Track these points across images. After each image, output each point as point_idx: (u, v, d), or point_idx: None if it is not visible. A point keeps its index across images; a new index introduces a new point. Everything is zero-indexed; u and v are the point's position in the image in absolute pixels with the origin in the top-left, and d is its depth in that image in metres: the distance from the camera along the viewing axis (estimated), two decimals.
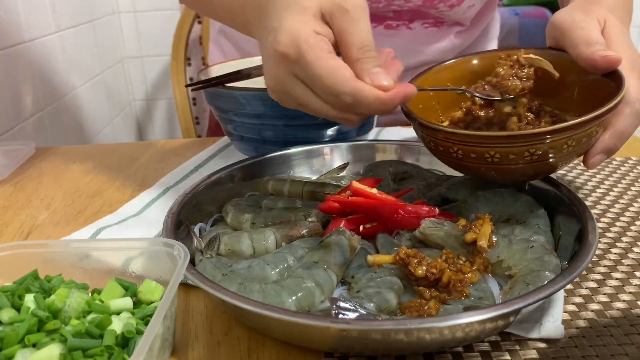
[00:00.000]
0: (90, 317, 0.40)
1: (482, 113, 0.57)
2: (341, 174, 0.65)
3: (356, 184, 0.53)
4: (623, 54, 0.51)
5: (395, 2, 0.87)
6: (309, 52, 0.46)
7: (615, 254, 0.53)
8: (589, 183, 0.68)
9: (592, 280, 0.49)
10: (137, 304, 0.43)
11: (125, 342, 0.38)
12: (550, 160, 0.47)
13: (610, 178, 0.70)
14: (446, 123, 0.59)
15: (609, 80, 0.51)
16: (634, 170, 0.71)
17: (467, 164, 0.50)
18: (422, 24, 0.91)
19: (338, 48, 0.49)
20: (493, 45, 1.04)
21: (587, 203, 0.58)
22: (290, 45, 0.46)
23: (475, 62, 0.61)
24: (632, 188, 0.67)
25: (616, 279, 0.49)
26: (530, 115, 0.56)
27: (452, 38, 0.94)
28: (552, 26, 0.56)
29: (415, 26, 0.91)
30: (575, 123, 0.45)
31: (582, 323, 0.44)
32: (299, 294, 0.42)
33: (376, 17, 0.90)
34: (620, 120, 0.50)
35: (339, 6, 0.48)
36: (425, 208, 0.50)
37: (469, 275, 0.44)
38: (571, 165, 0.74)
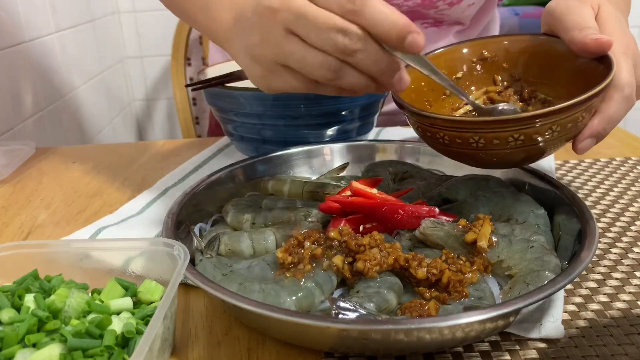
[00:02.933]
0: (90, 317, 0.40)
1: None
2: (341, 174, 0.65)
3: (356, 184, 0.53)
4: (616, 39, 0.51)
5: (394, 2, 0.87)
6: None
7: (615, 254, 0.53)
8: (589, 183, 0.68)
9: (592, 280, 0.49)
10: (137, 304, 0.43)
11: (125, 342, 0.38)
12: (537, 145, 0.47)
13: (610, 178, 0.70)
14: (464, 110, 0.59)
15: (599, 65, 0.51)
16: (634, 170, 0.71)
17: (454, 150, 0.50)
18: (421, 23, 0.91)
19: None
20: None
21: (587, 203, 0.58)
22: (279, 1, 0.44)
23: (465, 50, 0.61)
24: (632, 188, 0.67)
25: (616, 279, 0.49)
26: (519, 104, 0.56)
27: (452, 37, 0.94)
28: (546, 13, 0.56)
29: None
30: (557, 108, 0.45)
31: (582, 323, 0.44)
32: (299, 294, 0.42)
33: None
34: (609, 105, 0.50)
35: None
36: (425, 208, 0.50)
37: (469, 275, 0.44)
38: (571, 165, 0.74)
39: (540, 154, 0.49)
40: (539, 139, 0.46)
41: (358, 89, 0.48)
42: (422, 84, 0.59)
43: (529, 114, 0.45)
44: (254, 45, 0.48)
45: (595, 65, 0.51)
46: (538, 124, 0.45)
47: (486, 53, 0.60)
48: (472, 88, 0.61)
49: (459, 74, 0.60)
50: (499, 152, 0.48)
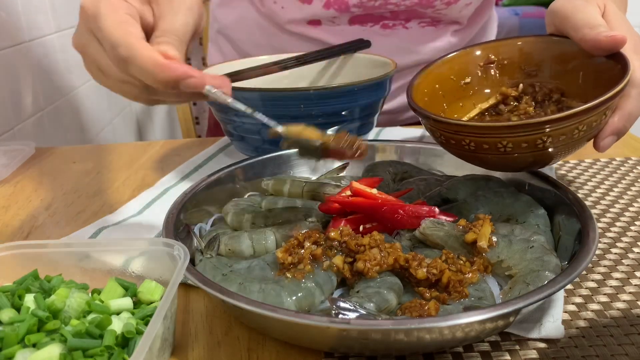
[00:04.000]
0: (90, 317, 0.40)
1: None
2: (341, 174, 0.65)
3: (356, 184, 0.53)
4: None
5: (392, 1, 0.87)
6: (104, 7, 0.45)
7: (615, 254, 0.53)
8: (589, 183, 0.68)
9: (592, 280, 0.49)
10: (137, 304, 0.43)
11: (125, 342, 0.38)
12: (562, 145, 0.47)
13: (610, 178, 0.70)
14: (475, 112, 0.59)
15: (613, 63, 0.51)
16: (634, 170, 0.71)
17: (479, 155, 0.50)
18: (418, 22, 0.92)
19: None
20: None
21: (587, 203, 0.58)
22: (92, 1, 0.46)
23: (477, 53, 0.61)
24: (632, 188, 0.67)
25: (616, 279, 0.49)
26: (530, 108, 0.56)
27: (449, 37, 0.94)
28: (552, 13, 0.56)
29: (411, 25, 0.91)
30: (585, 108, 0.45)
31: (582, 323, 0.44)
32: (299, 294, 0.42)
33: (373, 17, 0.90)
34: (627, 102, 0.50)
35: None
36: (425, 208, 0.50)
37: (469, 275, 0.44)
38: (571, 165, 0.74)
39: (564, 154, 0.50)
40: (566, 139, 0.47)
41: (146, 101, 0.50)
42: (437, 86, 0.59)
43: (558, 116, 0.45)
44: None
45: (608, 63, 0.52)
46: (566, 125, 0.45)
47: (493, 57, 0.60)
48: (487, 90, 0.61)
49: (467, 79, 0.61)
50: (526, 154, 0.48)
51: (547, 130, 0.45)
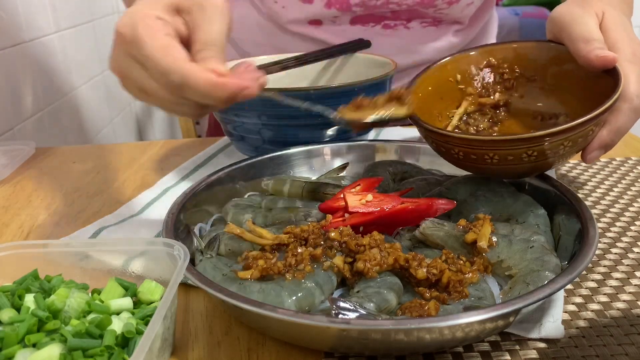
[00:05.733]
0: (90, 317, 0.40)
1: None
2: (341, 174, 0.65)
3: (350, 199, 0.52)
4: (621, 47, 0.51)
5: (393, 0, 0.87)
6: (143, 31, 0.44)
7: (615, 254, 0.53)
8: (589, 183, 0.68)
9: (592, 280, 0.49)
10: (137, 304, 0.43)
11: (125, 342, 0.38)
12: (548, 159, 0.48)
13: (610, 178, 0.70)
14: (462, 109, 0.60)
15: (607, 75, 0.51)
16: (634, 170, 0.71)
17: (468, 164, 0.52)
18: (420, 22, 0.92)
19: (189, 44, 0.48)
20: None
21: (587, 203, 0.58)
22: (128, 25, 0.45)
23: (472, 58, 0.61)
24: (632, 188, 0.67)
25: (616, 279, 0.49)
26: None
27: (450, 37, 0.94)
28: (551, 21, 0.57)
29: (413, 25, 0.91)
30: (570, 126, 0.46)
31: (582, 323, 0.44)
32: (299, 294, 0.42)
33: (374, 17, 0.90)
34: (618, 117, 0.50)
35: (197, 3, 0.47)
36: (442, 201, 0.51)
37: (469, 275, 0.44)
38: (571, 165, 0.74)
39: (550, 166, 0.51)
40: (552, 154, 0.48)
41: (196, 116, 0.50)
42: (435, 90, 0.59)
43: (542, 133, 0.46)
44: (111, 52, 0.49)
45: (602, 74, 0.52)
46: (551, 141, 0.46)
47: (493, 60, 0.60)
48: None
49: (461, 86, 0.61)
50: (512, 166, 0.49)
51: (533, 146, 0.47)
